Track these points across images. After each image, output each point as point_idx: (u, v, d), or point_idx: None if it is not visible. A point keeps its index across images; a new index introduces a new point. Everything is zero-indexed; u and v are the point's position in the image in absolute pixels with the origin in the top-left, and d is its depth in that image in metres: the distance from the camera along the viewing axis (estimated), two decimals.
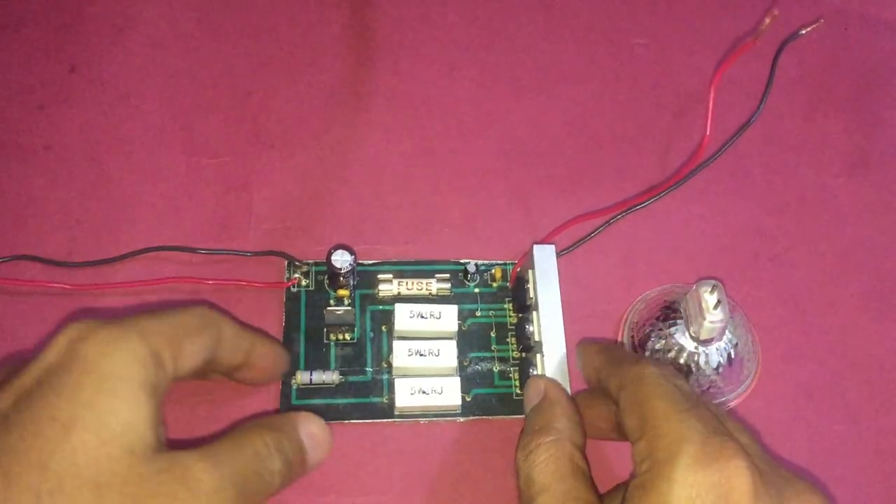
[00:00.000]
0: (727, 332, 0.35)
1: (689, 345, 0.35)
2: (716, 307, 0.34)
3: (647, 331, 0.37)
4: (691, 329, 0.35)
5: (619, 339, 0.38)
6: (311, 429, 0.29)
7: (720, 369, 0.36)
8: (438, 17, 0.48)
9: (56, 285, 0.37)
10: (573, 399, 0.32)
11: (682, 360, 0.36)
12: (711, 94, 0.28)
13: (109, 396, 0.23)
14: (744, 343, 0.36)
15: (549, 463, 0.28)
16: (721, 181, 0.43)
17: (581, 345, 0.34)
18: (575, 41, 0.47)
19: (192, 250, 0.38)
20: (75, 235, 0.39)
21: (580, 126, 0.45)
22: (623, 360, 0.30)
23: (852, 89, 0.47)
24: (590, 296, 0.39)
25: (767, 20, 0.27)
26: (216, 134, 0.43)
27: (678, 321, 0.36)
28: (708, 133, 0.29)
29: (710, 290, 0.34)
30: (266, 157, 0.42)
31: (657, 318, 0.37)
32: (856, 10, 0.50)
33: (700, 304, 0.34)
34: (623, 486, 0.29)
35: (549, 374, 0.33)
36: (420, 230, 0.41)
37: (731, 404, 0.37)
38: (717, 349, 0.35)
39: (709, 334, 0.35)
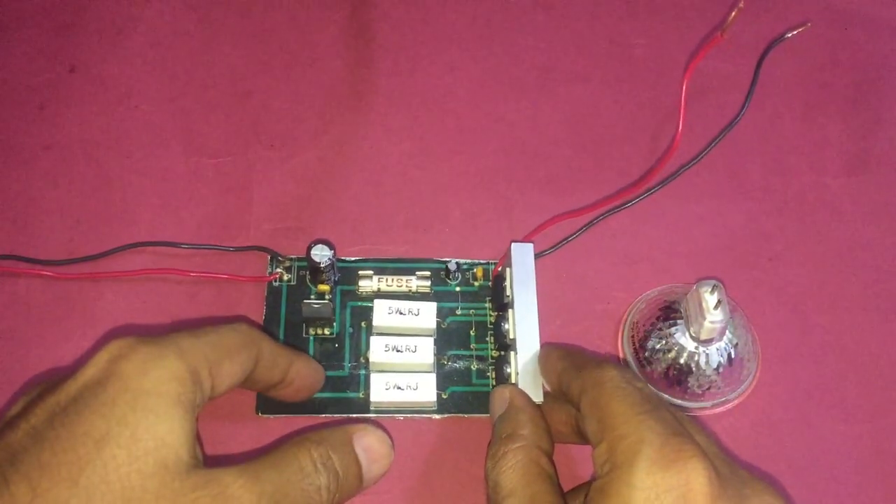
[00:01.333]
0: (727, 332, 0.35)
1: (690, 345, 0.35)
2: (716, 307, 0.33)
3: (647, 331, 0.37)
4: (691, 329, 0.35)
5: (619, 338, 0.38)
6: (368, 442, 0.28)
7: (720, 369, 0.36)
8: (438, 17, 0.48)
9: (44, 273, 0.37)
10: (539, 406, 0.32)
11: (682, 360, 0.36)
12: (683, 90, 0.28)
13: (143, 413, 0.23)
14: (744, 343, 0.36)
15: (516, 468, 0.29)
16: (721, 181, 0.43)
17: (544, 349, 0.34)
18: (575, 41, 0.48)
19: (176, 245, 0.38)
20: (75, 235, 0.39)
21: (579, 126, 0.45)
22: (584, 365, 0.30)
23: (852, 89, 0.47)
24: (589, 296, 0.39)
25: (733, 14, 0.27)
26: (216, 134, 0.43)
27: (678, 321, 0.36)
28: (680, 129, 0.29)
29: (710, 290, 0.34)
30: (266, 157, 0.42)
31: (657, 318, 0.37)
32: (856, 10, 0.50)
33: (700, 305, 0.34)
34: (584, 486, 0.30)
35: (521, 371, 0.33)
36: (420, 229, 0.41)
37: (731, 404, 0.37)
38: (718, 349, 0.35)
39: (709, 334, 0.35)
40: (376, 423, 0.35)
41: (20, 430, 0.23)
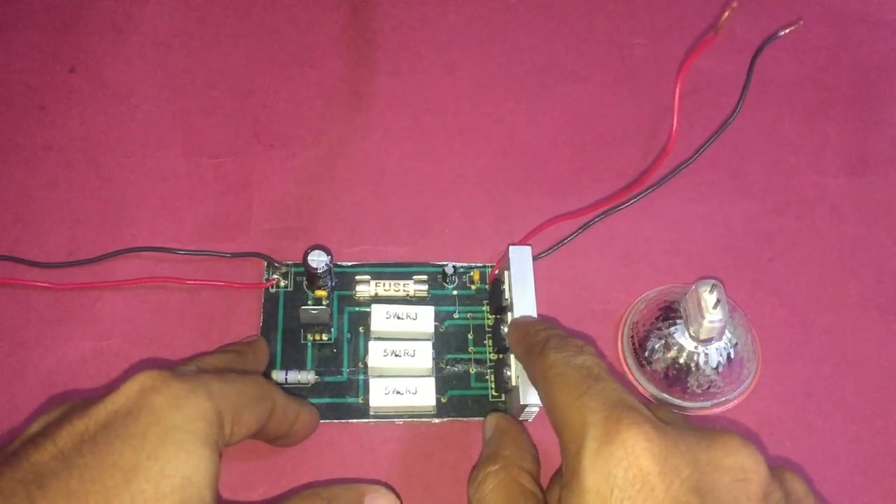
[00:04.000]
0: (727, 331, 0.35)
1: (689, 345, 0.35)
2: (715, 307, 0.34)
3: (647, 331, 0.37)
4: (691, 329, 0.35)
5: (619, 339, 0.38)
6: None
7: (720, 369, 0.36)
8: (438, 18, 0.48)
9: (35, 283, 0.37)
10: (525, 429, 0.32)
11: (681, 360, 0.36)
12: (677, 90, 0.28)
13: (174, 448, 0.23)
14: (744, 343, 0.36)
15: (497, 490, 0.28)
16: (721, 181, 0.43)
17: (508, 331, 0.34)
18: (575, 41, 0.48)
19: (172, 251, 0.38)
20: (75, 235, 0.39)
21: (578, 127, 0.45)
22: (531, 351, 0.29)
23: (852, 89, 0.47)
24: (589, 297, 0.39)
25: (726, 14, 0.27)
26: (216, 134, 0.43)
27: (678, 321, 0.36)
28: (674, 129, 0.29)
29: (709, 289, 0.34)
30: (266, 157, 0.42)
31: (657, 318, 0.37)
32: (856, 10, 0.50)
33: (700, 304, 0.34)
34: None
35: (521, 374, 0.33)
36: (421, 231, 0.41)
37: (731, 404, 0.37)
38: (717, 349, 0.35)
39: (708, 334, 0.35)
40: (363, 429, 0.35)
41: (47, 451, 0.23)
